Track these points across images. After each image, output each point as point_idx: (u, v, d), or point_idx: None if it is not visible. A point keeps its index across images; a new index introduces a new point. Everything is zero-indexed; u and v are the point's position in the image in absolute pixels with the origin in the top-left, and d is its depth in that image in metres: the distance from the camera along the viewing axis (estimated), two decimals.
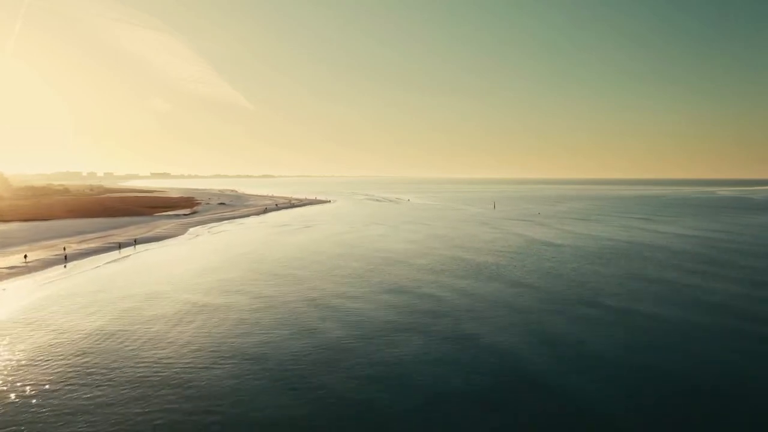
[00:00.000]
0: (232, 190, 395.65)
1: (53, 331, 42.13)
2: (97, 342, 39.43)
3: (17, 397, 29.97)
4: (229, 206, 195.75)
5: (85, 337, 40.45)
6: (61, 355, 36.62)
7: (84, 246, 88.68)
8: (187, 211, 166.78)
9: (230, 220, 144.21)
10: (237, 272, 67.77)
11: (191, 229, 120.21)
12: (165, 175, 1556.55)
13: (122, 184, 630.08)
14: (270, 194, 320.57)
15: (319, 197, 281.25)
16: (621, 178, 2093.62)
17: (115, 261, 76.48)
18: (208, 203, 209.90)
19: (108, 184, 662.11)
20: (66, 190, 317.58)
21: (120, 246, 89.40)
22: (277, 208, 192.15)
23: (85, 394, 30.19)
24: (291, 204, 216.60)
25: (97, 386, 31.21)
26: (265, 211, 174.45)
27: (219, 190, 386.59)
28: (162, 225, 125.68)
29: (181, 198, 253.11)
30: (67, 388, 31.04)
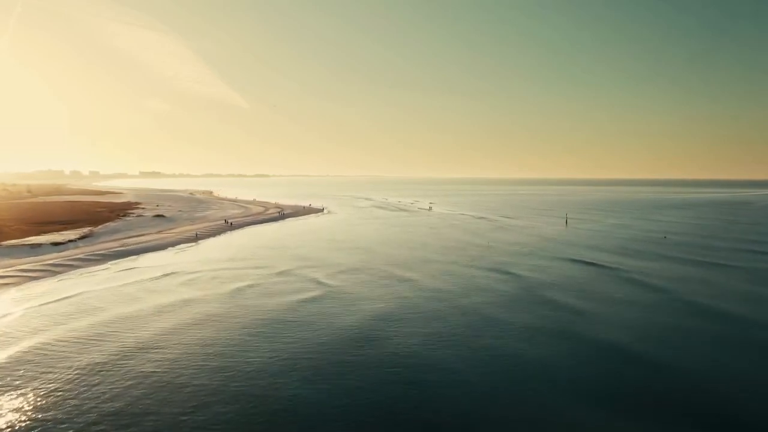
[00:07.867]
0: (206, 192, 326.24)
1: None
2: None
3: None
4: (167, 220, 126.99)
5: None
6: None
7: None
8: (77, 233, 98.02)
9: (120, 260, 74.45)
10: None
11: None
12: (155, 174, 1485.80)
13: (97, 184, 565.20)
14: (252, 198, 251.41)
15: (313, 204, 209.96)
16: (622, 178, 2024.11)
17: None
18: (141, 215, 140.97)
19: (84, 183, 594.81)
20: None
21: None
22: (228, 228, 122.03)
23: None
24: (267, 216, 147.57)
25: None
26: (197, 237, 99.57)
27: (190, 192, 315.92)
28: None
29: (119, 204, 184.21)
30: None
